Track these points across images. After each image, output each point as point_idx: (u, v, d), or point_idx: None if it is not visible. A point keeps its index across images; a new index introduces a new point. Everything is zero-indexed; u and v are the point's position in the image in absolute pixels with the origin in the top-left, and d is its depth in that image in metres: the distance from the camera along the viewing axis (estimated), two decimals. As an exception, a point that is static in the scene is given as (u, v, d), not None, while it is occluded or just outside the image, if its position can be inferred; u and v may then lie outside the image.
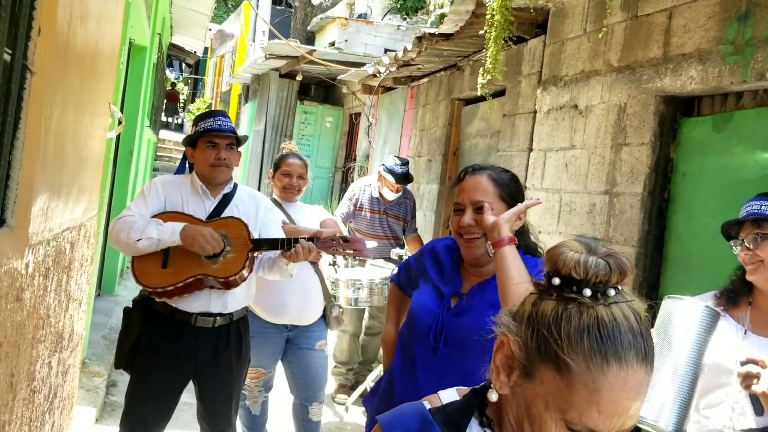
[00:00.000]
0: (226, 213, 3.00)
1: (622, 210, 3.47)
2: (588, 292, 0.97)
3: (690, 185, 3.21)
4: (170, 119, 25.02)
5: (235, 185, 3.14)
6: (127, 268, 8.66)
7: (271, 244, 2.98)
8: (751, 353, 2.13)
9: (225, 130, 3.00)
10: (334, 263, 3.47)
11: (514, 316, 1.04)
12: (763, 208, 2.13)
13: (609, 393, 0.93)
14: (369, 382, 5.23)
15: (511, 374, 1.02)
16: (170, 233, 2.77)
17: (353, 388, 5.46)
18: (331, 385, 5.08)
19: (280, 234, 3.13)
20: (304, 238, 2.96)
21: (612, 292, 0.98)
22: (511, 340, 1.01)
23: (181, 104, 28.04)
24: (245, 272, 2.92)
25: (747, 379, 1.99)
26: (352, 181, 7.91)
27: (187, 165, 3.27)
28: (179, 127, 25.49)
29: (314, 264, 3.73)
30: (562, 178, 4.03)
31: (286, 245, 2.94)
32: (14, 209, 1.89)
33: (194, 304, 2.92)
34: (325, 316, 3.86)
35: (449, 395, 1.14)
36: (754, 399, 2.00)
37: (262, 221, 3.07)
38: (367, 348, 5.75)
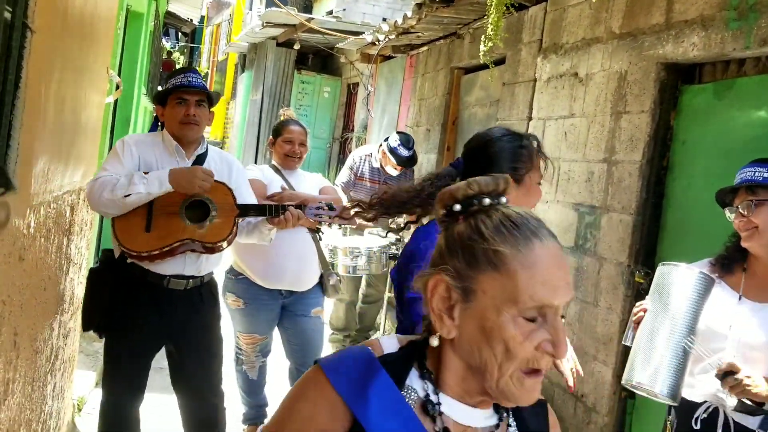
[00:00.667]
0: None
1: (620, 178, 3.47)
2: (487, 200, 1.05)
3: (690, 153, 3.22)
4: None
5: (207, 146, 3.07)
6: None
7: (259, 210, 2.96)
8: (745, 319, 2.15)
9: (195, 86, 2.91)
10: (318, 230, 3.47)
11: (431, 262, 1.08)
12: (756, 174, 2.14)
13: (543, 264, 0.99)
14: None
15: (452, 311, 1.03)
16: (158, 184, 2.69)
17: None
18: (327, 351, 5.12)
19: (250, 194, 3.09)
20: (292, 205, 2.95)
21: (504, 199, 1.07)
22: (441, 276, 1.03)
23: (177, 74, 27.75)
24: (231, 237, 2.91)
25: (734, 388, 2.02)
26: (350, 152, 7.89)
27: (159, 125, 3.18)
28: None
29: (312, 230, 3.73)
30: (561, 147, 4.03)
31: (273, 212, 2.93)
32: (16, 169, 1.89)
33: (168, 266, 2.85)
34: (321, 284, 3.87)
35: (390, 343, 1.13)
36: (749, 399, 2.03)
37: (235, 183, 3.00)
38: (364, 316, 5.79)
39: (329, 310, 5.52)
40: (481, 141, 2.01)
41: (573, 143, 3.92)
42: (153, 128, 3.23)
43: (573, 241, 3.84)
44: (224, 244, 2.89)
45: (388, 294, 5.26)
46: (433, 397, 1.06)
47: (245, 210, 2.93)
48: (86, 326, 2.95)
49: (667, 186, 3.33)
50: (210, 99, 3.00)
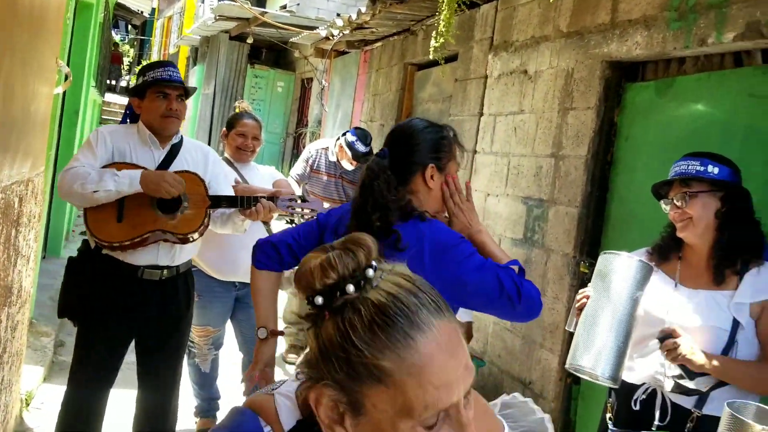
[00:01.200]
0: (176, 164, 2.95)
1: (567, 172, 3.58)
2: (351, 288, 0.90)
3: (632, 148, 3.34)
4: (114, 82, 24.34)
5: (182, 136, 3.08)
6: (72, 231, 8.51)
7: (231, 201, 2.97)
8: (681, 305, 2.26)
9: (176, 80, 2.94)
10: (292, 222, 3.49)
11: (308, 364, 0.94)
12: (690, 167, 2.24)
13: (431, 365, 0.87)
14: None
15: (344, 422, 0.91)
16: (129, 183, 2.70)
17: (303, 348, 5.53)
18: (281, 345, 5.14)
19: (228, 187, 3.11)
20: (264, 197, 2.97)
21: (371, 272, 0.91)
22: (322, 389, 0.90)
23: (126, 66, 27.27)
24: (203, 228, 2.92)
25: (671, 352, 2.12)
26: (304, 147, 7.89)
27: (128, 118, 3.18)
28: (125, 90, 24.83)
29: (266, 223, 3.74)
30: (510, 142, 4.13)
31: (245, 203, 2.95)
32: (-36, 157, 1.87)
33: (142, 257, 2.87)
34: (275, 276, 3.89)
35: (288, 412, 1.00)
36: (683, 367, 2.13)
37: (212, 173, 3.03)
38: (318, 309, 5.81)
39: (282, 303, 5.52)
40: (404, 132, 2.14)
41: (522, 138, 4.02)
42: (123, 120, 3.20)
43: (522, 233, 3.95)
44: (195, 235, 2.89)
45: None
46: None
47: (217, 201, 2.94)
48: (61, 313, 2.96)
49: (611, 180, 3.45)
50: (187, 94, 3.02)
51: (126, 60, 27.43)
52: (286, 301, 5.74)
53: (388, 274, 0.92)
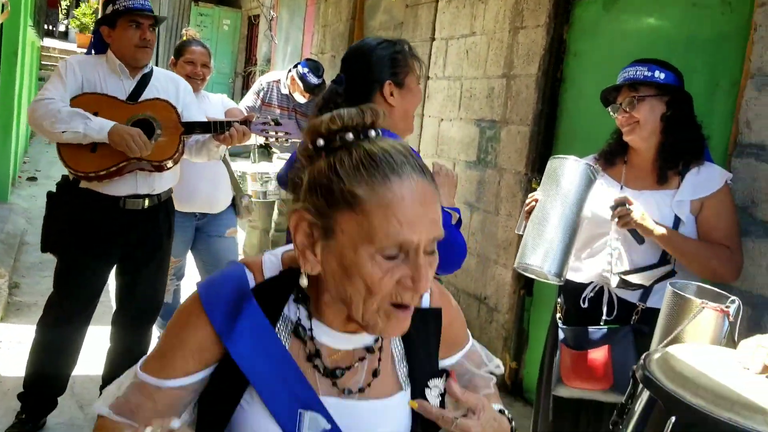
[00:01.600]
0: (147, 94, 2.93)
1: (518, 92, 3.64)
2: (350, 135, 1.00)
3: (581, 65, 3.41)
4: (51, 27, 23.35)
5: (152, 66, 3.04)
6: (19, 177, 8.30)
7: (204, 127, 2.96)
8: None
9: (147, 9, 2.89)
10: (267, 146, 3.46)
11: (294, 190, 1.06)
12: (638, 73, 2.32)
13: (401, 203, 0.96)
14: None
15: (314, 247, 1.03)
16: (98, 130, 2.69)
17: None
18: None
19: (201, 116, 3.10)
20: (237, 121, 2.97)
21: (373, 133, 1.02)
22: (302, 212, 1.02)
23: (64, 11, 26.14)
24: (178, 155, 2.91)
25: (622, 218, 2.22)
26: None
27: (93, 49, 3.12)
28: (64, 35, 23.87)
29: (226, 163, 3.74)
30: (462, 65, 4.16)
31: (219, 128, 2.94)
32: None
33: (122, 187, 2.87)
34: (234, 205, 3.91)
35: (272, 264, 1.13)
36: (633, 232, 2.24)
37: (183, 103, 3.00)
38: (278, 244, 5.85)
39: (242, 237, 5.54)
40: (358, 52, 2.14)
41: (474, 61, 4.05)
42: (89, 51, 3.13)
43: (475, 155, 4.02)
44: (170, 162, 2.88)
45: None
46: (305, 323, 1.09)
47: (190, 127, 2.92)
48: (44, 247, 2.96)
49: (560, 97, 3.53)
50: (157, 22, 2.97)
51: (63, 3, 26.27)
52: (246, 235, 5.77)
53: (388, 139, 1.03)
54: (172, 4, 11.97)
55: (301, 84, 5.29)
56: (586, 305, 2.44)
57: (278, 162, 5.09)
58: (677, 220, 2.29)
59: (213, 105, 3.83)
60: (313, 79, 5.32)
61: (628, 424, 1.48)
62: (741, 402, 1.26)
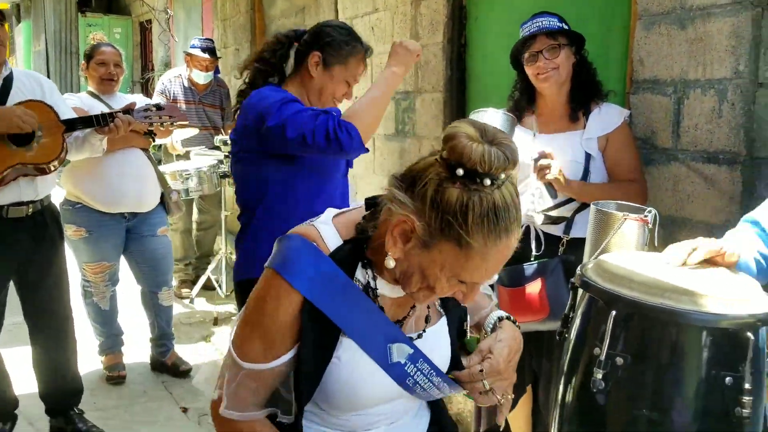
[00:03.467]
0: (14, 97, 2.82)
1: (427, 61, 3.80)
2: (488, 181, 1.09)
3: (482, 29, 3.59)
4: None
5: (11, 68, 2.94)
6: None
7: (86, 122, 2.93)
8: (542, 149, 2.55)
9: None
10: (152, 133, 3.44)
11: (411, 193, 1.14)
12: (551, 23, 2.50)
13: (496, 257, 1.13)
14: (209, 272, 5.36)
15: (407, 243, 1.15)
16: None
17: (194, 282, 5.55)
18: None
19: (68, 109, 3.04)
20: (119, 112, 2.96)
21: (503, 177, 1.11)
22: (415, 222, 1.12)
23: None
24: (63, 155, 2.87)
25: (542, 171, 2.41)
26: (154, 92, 7.64)
27: None
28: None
29: (145, 150, 3.72)
30: (370, 42, 4.24)
31: (101, 121, 2.92)
32: None
33: (4, 195, 2.78)
34: (164, 203, 3.89)
35: (330, 234, 1.26)
36: (548, 186, 2.44)
37: (51, 100, 2.91)
38: (201, 243, 5.81)
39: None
40: (324, 23, 2.40)
41: (381, 37, 4.18)
42: None
43: (394, 128, 4.16)
44: (56, 163, 2.84)
45: (225, 213, 5.32)
46: (372, 283, 1.26)
47: (71, 124, 2.89)
48: None
49: (467, 61, 3.71)
50: (3, 17, 2.88)
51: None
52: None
53: (509, 183, 1.13)
54: (57, 17, 11.53)
55: (193, 51, 5.26)
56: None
57: (196, 159, 5.07)
58: (588, 157, 2.51)
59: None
60: (202, 42, 5.32)
61: (572, 329, 1.65)
62: (670, 289, 1.43)
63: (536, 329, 2.51)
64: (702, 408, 1.41)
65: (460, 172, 1.09)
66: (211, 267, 5.42)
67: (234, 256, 2.54)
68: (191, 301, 5.38)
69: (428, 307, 1.36)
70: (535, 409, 2.74)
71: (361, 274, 1.26)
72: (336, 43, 2.33)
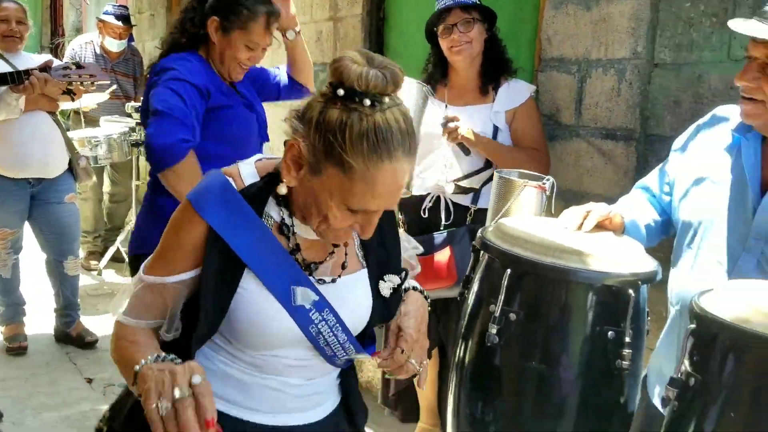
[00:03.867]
0: None
1: (346, 33, 3.81)
2: (368, 101, 1.11)
3: (400, 3, 3.63)
4: None
5: None
6: None
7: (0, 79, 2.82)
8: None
9: None
10: (70, 92, 3.32)
11: (301, 119, 1.18)
12: None
13: (382, 182, 1.14)
14: (119, 244, 5.23)
15: (299, 170, 1.19)
16: None
17: (102, 253, 5.40)
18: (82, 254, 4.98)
19: None
20: (35, 69, 2.85)
21: (387, 99, 1.13)
22: (301, 143, 1.16)
23: None
24: None
25: (451, 134, 2.49)
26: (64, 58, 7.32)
27: None
28: None
29: (52, 114, 3.57)
30: (289, 13, 4.24)
31: (16, 79, 2.81)
32: None
33: None
34: (71, 169, 3.76)
35: (248, 172, 1.29)
36: (461, 145, 2.52)
37: None
38: (113, 215, 5.66)
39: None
40: None
41: (300, 7, 4.13)
42: None
43: (310, 99, 4.15)
44: None
45: (136, 182, 5.19)
46: (287, 221, 1.28)
47: None
48: None
49: (385, 35, 3.74)
50: None
51: None
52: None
53: (396, 107, 1.15)
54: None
55: (106, 18, 5.10)
56: (426, 215, 2.69)
57: (106, 125, 4.91)
58: (496, 129, 2.60)
59: (37, 66, 3.63)
60: (117, 10, 5.18)
61: (471, 289, 1.72)
62: (561, 249, 1.52)
63: (445, 296, 2.59)
64: (587, 361, 1.51)
65: (341, 92, 1.12)
66: (120, 238, 5.29)
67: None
68: (99, 273, 5.24)
69: (346, 255, 1.37)
70: (442, 374, 2.84)
71: (275, 212, 1.29)
72: (236, 8, 2.31)
